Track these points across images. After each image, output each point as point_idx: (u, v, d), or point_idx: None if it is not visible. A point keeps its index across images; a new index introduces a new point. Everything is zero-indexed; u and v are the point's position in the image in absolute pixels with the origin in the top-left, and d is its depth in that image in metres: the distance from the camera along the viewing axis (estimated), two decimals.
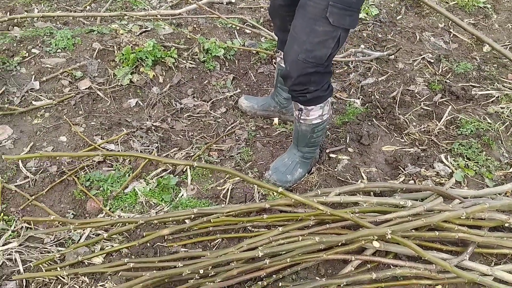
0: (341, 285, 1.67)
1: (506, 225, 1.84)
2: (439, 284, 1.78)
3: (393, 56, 3.18)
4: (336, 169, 2.22)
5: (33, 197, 1.97)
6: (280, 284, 1.65)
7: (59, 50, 2.63)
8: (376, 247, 1.75)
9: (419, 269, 1.74)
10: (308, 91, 1.88)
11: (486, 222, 1.84)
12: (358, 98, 2.81)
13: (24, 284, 1.64)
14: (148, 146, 2.30)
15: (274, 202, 1.76)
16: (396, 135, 2.53)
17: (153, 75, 2.65)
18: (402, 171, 2.26)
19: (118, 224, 1.86)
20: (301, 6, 1.74)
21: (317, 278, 1.72)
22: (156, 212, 1.98)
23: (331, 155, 2.32)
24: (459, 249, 1.85)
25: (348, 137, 2.43)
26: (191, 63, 2.79)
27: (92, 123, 2.37)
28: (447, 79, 2.97)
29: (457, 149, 2.39)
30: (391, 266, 1.75)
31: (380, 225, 1.70)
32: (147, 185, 2.10)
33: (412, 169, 2.25)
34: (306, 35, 1.72)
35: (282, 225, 1.78)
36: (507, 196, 2.07)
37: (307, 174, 2.21)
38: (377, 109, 2.68)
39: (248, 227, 1.86)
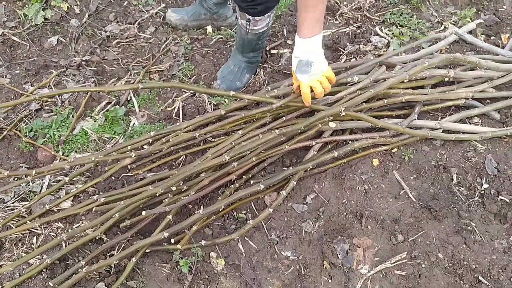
0: (308, 170, 1.75)
1: (446, 79, 1.94)
2: (395, 147, 1.91)
3: None
4: (280, 64, 2.22)
5: None
6: (251, 183, 1.71)
7: None
8: (332, 127, 1.83)
9: (374, 138, 1.85)
10: (260, 2, 1.80)
11: (427, 81, 1.94)
12: None
13: None
14: (84, 83, 2.18)
15: (229, 108, 1.76)
16: (330, 18, 2.52)
17: (67, 6, 2.44)
18: (342, 51, 2.30)
19: (77, 166, 1.82)
20: None
21: (284, 168, 1.78)
22: (111, 146, 1.94)
23: (272, 51, 2.31)
24: (407, 111, 1.96)
25: (285, 30, 2.40)
26: None
27: (17, 71, 2.20)
28: None
29: (389, 19, 2.44)
30: (349, 142, 1.84)
31: (333, 106, 1.76)
32: (94, 121, 2.03)
33: (351, 48, 2.29)
34: None
35: (241, 129, 1.80)
36: (443, 53, 2.17)
37: (252, 76, 2.20)
38: None
39: (208, 138, 1.87)
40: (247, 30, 1.97)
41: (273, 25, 2.45)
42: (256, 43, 2.05)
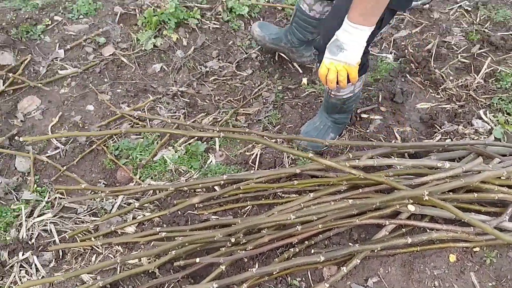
0: (375, 251, 1.64)
1: None
2: (477, 246, 1.73)
3: (427, 6, 2.98)
4: (368, 130, 2.14)
5: (64, 167, 1.99)
6: (312, 251, 1.64)
7: (81, 16, 2.58)
8: (411, 210, 1.70)
9: (456, 232, 1.69)
10: None
11: None
12: (391, 53, 2.67)
13: (60, 254, 1.68)
14: (175, 113, 2.27)
15: (304, 167, 1.72)
16: (431, 91, 2.40)
17: (177, 38, 2.58)
18: (438, 129, 2.17)
19: (149, 193, 1.87)
20: None
21: (350, 243, 1.68)
22: (185, 180, 1.97)
23: (363, 115, 2.23)
24: (498, 210, 1.78)
25: (380, 96, 2.33)
26: (214, 24, 2.70)
27: (118, 90, 2.35)
28: (486, 28, 2.78)
29: (496, 103, 2.26)
30: (427, 230, 1.70)
31: (416, 188, 1.64)
32: (175, 152, 2.08)
33: (449, 127, 2.15)
34: (344, 2, 1.53)
35: (313, 191, 1.74)
36: None
37: (338, 137, 2.14)
38: (411, 64, 2.54)
39: (278, 193, 1.83)
40: (330, 95, 1.93)
41: (369, 88, 2.39)
42: (341, 107, 2.00)
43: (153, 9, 2.59)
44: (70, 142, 2.11)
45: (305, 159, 2.00)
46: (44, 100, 2.26)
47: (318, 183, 1.75)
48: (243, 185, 1.76)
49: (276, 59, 2.63)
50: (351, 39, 1.48)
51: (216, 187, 1.89)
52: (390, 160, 1.71)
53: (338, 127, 2.12)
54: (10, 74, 2.26)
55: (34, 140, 2.01)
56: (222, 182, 1.77)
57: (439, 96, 2.38)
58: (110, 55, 2.46)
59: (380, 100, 2.31)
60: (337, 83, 1.56)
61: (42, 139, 2.05)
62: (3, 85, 2.25)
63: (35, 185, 1.92)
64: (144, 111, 2.26)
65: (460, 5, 3.00)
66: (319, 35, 2.35)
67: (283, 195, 1.84)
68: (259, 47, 2.61)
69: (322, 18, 2.24)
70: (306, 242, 1.67)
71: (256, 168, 2.00)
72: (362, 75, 1.87)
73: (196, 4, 2.71)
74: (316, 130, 2.10)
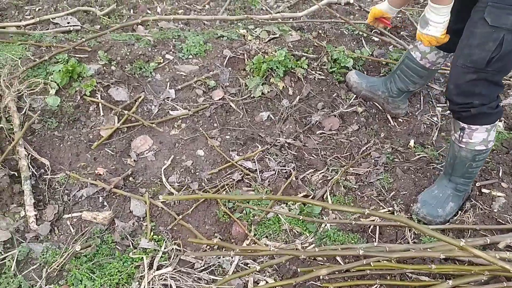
0: None
1: None
2: None
3: None
4: (492, 208, 2.04)
5: (180, 216, 1.95)
6: None
7: (190, 56, 2.58)
8: None
9: None
10: (473, 105, 1.75)
11: None
12: (501, 121, 2.57)
13: None
14: (284, 166, 2.22)
15: (450, 253, 1.62)
16: None
17: (283, 86, 2.55)
18: None
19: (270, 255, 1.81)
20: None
21: None
22: (301, 243, 1.91)
23: (483, 190, 2.13)
24: None
25: (500, 170, 2.22)
26: (319, 74, 2.66)
27: (227, 136, 2.32)
28: None
29: None
30: None
31: None
32: (289, 211, 2.02)
33: None
34: (466, 39, 1.68)
35: (450, 277, 1.64)
36: None
37: (458, 209, 2.05)
38: None
39: (407, 273, 1.74)
40: (461, 144, 1.87)
41: (487, 159, 2.29)
42: (470, 165, 1.91)
43: (261, 54, 2.57)
44: (183, 188, 2.08)
45: (427, 236, 1.91)
46: (155, 140, 2.25)
47: (457, 269, 1.65)
48: (373, 261, 1.67)
49: (381, 115, 2.57)
50: (432, 15, 1.72)
51: (338, 258, 1.81)
52: None
53: (459, 195, 2.03)
54: (125, 112, 2.27)
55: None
56: (359, 255, 1.68)
57: None
58: (219, 99, 2.44)
59: (500, 174, 2.21)
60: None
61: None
62: (118, 121, 2.25)
63: (152, 233, 1.89)
64: (254, 162, 2.22)
65: None
66: (420, 87, 2.36)
67: (412, 275, 1.74)
68: (360, 98, 2.58)
69: (431, 69, 2.22)
70: None
71: (376, 240, 1.92)
72: (497, 120, 1.83)
73: (303, 54, 2.69)
74: (435, 199, 2.02)
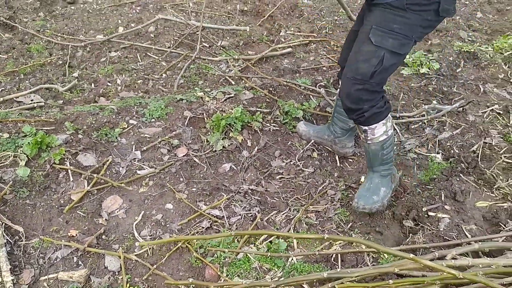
0: None
1: None
2: None
3: (461, 108, 3.25)
4: (439, 228, 2.25)
5: (154, 266, 2.05)
6: None
7: (153, 120, 2.78)
8: None
9: None
10: (364, 110, 2.07)
11: None
12: (438, 153, 2.86)
13: None
14: (249, 210, 2.38)
15: (403, 267, 1.80)
16: (486, 189, 2.56)
17: (242, 139, 2.77)
18: (503, 227, 2.28)
19: None
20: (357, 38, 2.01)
21: None
22: (271, 277, 2.03)
23: (430, 213, 2.36)
24: None
25: (442, 195, 2.47)
26: (274, 126, 2.91)
27: (193, 189, 2.47)
28: None
29: None
30: None
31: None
32: (257, 249, 2.16)
33: None
34: (354, 55, 1.98)
35: None
36: None
37: (391, 192, 2.35)
38: (461, 164, 2.72)
39: None
40: (368, 141, 2.19)
41: (427, 187, 2.54)
42: (382, 154, 2.24)
43: (219, 112, 2.81)
44: (155, 239, 2.18)
45: (386, 257, 2.09)
46: (125, 199, 2.37)
47: (412, 282, 1.81)
48: (338, 284, 1.82)
49: (333, 157, 2.81)
50: None
51: (305, 285, 1.95)
52: (482, 260, 1.81)
53: (386, 179, 2.34)
54: (94, 175, 2.40)
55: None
56: (324, 278, 1.82)
57: (493, 195, 2.52)
58: (183, 155, 2.62)
59: (443, 198, 2.45)
60: None
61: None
62: (88, 185, 2.37)
63: (128, 284, 1.97)
64: (221, 209, 2.37)
65: (492, 109, 3.28)
66: None
67: None
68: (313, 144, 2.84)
69: None
70: None
71: (339, 266, 2.08)
72: (388, 114, 2.14)
73: (257, 109, 2.95)
74: (368, 190, 2.31)
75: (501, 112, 3.27)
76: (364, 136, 2.20)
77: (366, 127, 2.16)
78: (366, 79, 1.97)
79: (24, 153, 2.41)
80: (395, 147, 2.52)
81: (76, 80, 3.41)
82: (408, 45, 1.95)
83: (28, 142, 2.42)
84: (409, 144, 2.93)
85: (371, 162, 2.32)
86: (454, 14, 1.97)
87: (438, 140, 2.97)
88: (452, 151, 2.85)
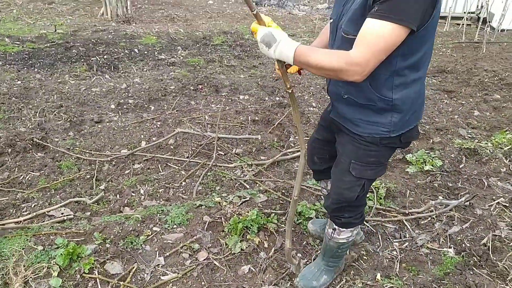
0: None
1: None
2: None
3: (468, 203, 3.39)
4: None
5: None
6: None
7: (175, 226, 2.96)
8: None
9: None
10: (343, 217, 2.32)
11: None
12: (450, 247, 2.96)
13: None
14: None
15: None
16: (500, 282, 2.61)
17: (258, 240, 2.92)
18: None
19: None
20: (336, 162, 2.25)
21: None
22: None
23: None
24: None
25: None
26: None
27: None
28: None
29: None
30: None
31: None
32: None
33: None
34: (337, 182, 2.22)
35: None
36: None
37: (330, 281, 2.58)
38: (473, 257, 2.80)
39: None
40: (331, 238, 2.41)
41: (443, 281, 2.61)
42: (336, 251, 2.46)
43: (236, 216, 2.99)
44: None
45: None
46: None
47: None
48: None
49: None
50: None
51: None
52: None
53: (330, 270, 2.59)
54: (121, 283, 2.53)
55: None
56: None
57: (508, 287, 2.57)
58: (204, 259, 2.76)
59: None
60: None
61: None
62: None
63: None
64: None
65: (498, 202, 3.42)
66: None
67: None
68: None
69: None
70: None
71: None
72: (359, 225, 2.40)
73: (272, 211, 3.13)
74: (311, 273, 2.57)
75: (507, 204, 3.41)
76: (331, 232, 2.42)
77: (337, 227, 2.39)
78: (351, 201, 2.24)
79: (57, 264, 2.57)
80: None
81: (103, 192, 3.65)
82: (383, 169, 2.20)
83: (61, 253, 2.59)
84: (420, 239, 3.04)
85: (324, 251, 2.56)
86: (417, 137, 2.27)
87: (449, 234, 3.08)
88: (463, 244, 2.95)
